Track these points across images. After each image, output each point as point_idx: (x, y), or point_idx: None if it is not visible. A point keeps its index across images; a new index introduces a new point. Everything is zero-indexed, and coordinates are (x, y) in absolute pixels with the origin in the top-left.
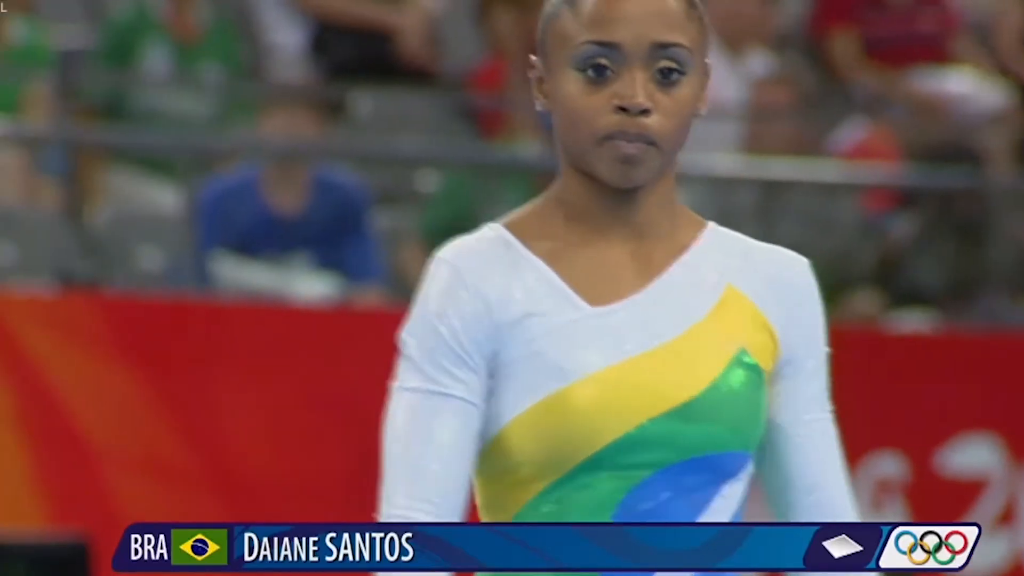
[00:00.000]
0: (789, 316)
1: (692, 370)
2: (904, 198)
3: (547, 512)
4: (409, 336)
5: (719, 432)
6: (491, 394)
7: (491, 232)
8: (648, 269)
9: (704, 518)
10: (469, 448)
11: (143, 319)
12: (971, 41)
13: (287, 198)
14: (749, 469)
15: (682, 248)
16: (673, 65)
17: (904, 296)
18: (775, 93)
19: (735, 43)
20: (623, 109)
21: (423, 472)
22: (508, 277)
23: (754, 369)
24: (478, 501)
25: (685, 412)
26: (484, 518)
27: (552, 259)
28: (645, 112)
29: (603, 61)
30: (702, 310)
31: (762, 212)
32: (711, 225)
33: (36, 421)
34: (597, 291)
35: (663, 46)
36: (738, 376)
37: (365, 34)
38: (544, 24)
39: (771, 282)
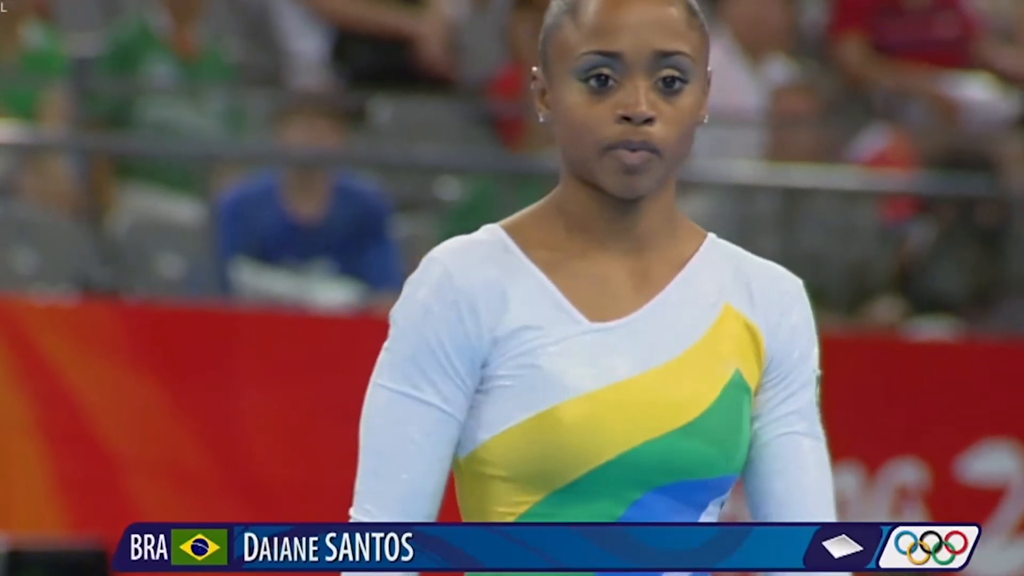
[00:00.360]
0: (778, 327)
1: (688, 393)
2: (923, 205)
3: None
4: (395, 326)
5: (713, 455)
6: (482, 403)
7: (489, 235)
8: (647, 285)
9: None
10: (443, 456)
11: (163, 326)
12: (992, 46)
13: (307, 205)
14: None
15: (681, 262)
16: (675, 73)
17: (924, 304)
18: (795, 100)
19: (755, 50)
20: (626, 119)
21: (393, 480)
22: (504, 285)
23: (747, 391)
24: (463, 508)
25: (681, 435)
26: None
27: (551, 270)
28: (648, 121)
29: (605, 71)
30: (699, 331)
31: (782, 220)
32: (710, 237)
33: (56, 428)
34: (596, 306)
35: (665, 54)
36: (732, 399)
37: (385, 41)
38: (545, 35)
39: (762, 292)
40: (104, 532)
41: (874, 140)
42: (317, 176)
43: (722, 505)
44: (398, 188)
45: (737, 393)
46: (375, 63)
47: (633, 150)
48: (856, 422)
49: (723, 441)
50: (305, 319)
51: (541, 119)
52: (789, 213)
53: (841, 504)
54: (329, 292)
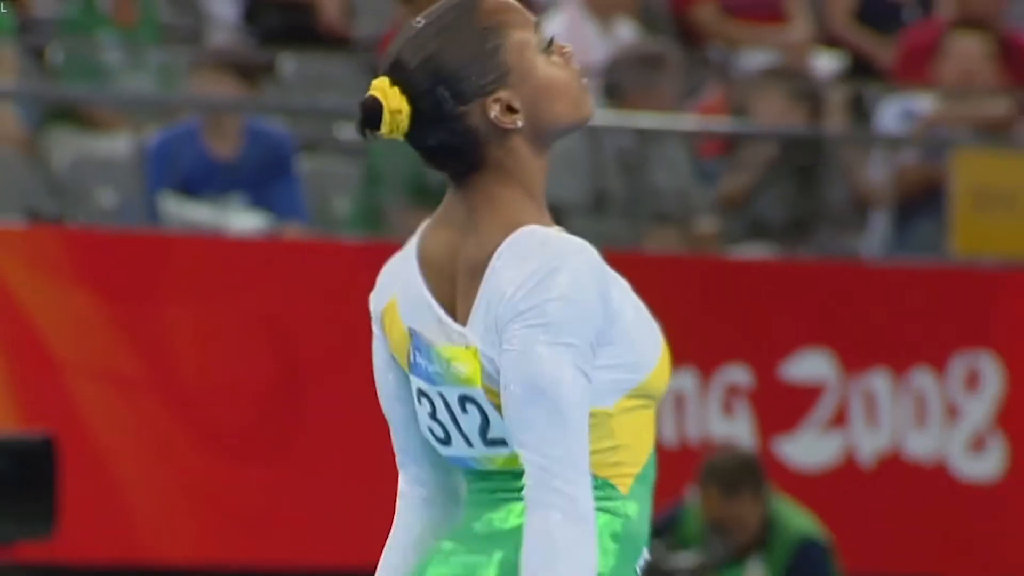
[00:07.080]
0: None
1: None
2: (732, 145)
3: (635, 506)
4: (572, 308)
5: None
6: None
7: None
8: None
9: None
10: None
11: (101, 250)
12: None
13: (224, 146)
14: None
15: None
16: None
17: (749, 230)
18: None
19: (604, 13)
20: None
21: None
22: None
23: None
24: (604, 456)
25: None
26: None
27: None
28: None
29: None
30: None
31: (630, 157)
32: None
33: (9, 337)
34: None
35: None
36: None
37: (291, 6)
38: (495, 55)
39: None
40: (51, 425)
41: (707, 94)
42: (232, 121)
43: None
44: (302, 131)
45: None
46: (282, 24)
47: None
48: (692, 332)
49: None
50: (222, 243)
51: (520, 124)
52: (637, 152)
53: (680, 401)
54: (243, 221)
